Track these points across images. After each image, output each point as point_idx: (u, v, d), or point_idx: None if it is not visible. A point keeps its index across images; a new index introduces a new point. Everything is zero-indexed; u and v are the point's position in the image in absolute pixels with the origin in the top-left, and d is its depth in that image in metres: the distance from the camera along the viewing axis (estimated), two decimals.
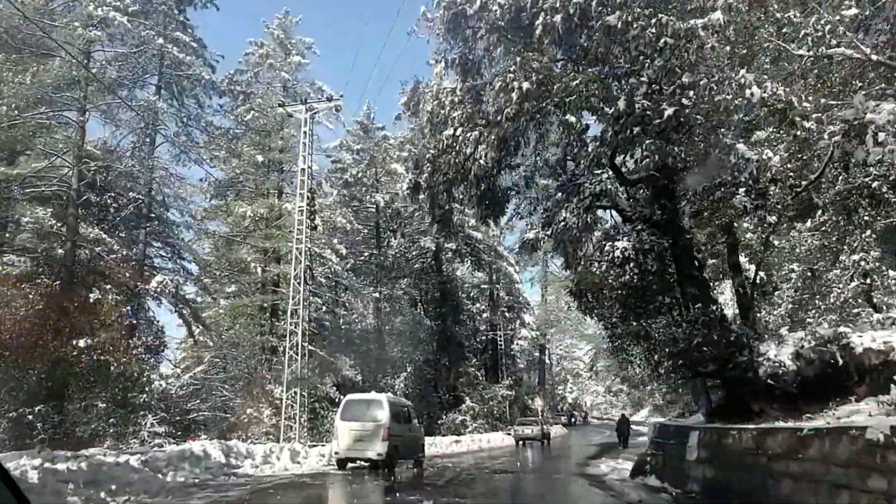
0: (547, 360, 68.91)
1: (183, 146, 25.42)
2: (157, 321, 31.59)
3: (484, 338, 59.12)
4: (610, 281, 14.09)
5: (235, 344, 28.56)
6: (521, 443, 34.99)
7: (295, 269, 21.70)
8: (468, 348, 47.63)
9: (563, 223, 15.26)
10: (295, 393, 21.11)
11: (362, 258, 37.45)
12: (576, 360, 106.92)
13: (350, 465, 17.38)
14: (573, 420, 78.66)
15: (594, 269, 14.50)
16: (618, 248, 13.34)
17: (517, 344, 66.26)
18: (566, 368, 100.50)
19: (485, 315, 57.57)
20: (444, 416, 38.00)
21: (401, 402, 19.07)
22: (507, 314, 58.38)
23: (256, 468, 15.02)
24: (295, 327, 21.37)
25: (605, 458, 23.38)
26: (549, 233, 15.62)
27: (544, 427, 35.92)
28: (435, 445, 27.47)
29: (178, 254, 30.44)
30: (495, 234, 45.58)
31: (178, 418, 28.39)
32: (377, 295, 32.32)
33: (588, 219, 14.73)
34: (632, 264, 13.82)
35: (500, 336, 50.86)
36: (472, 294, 59.45)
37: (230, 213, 26.29)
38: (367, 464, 17.16)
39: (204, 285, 29.23)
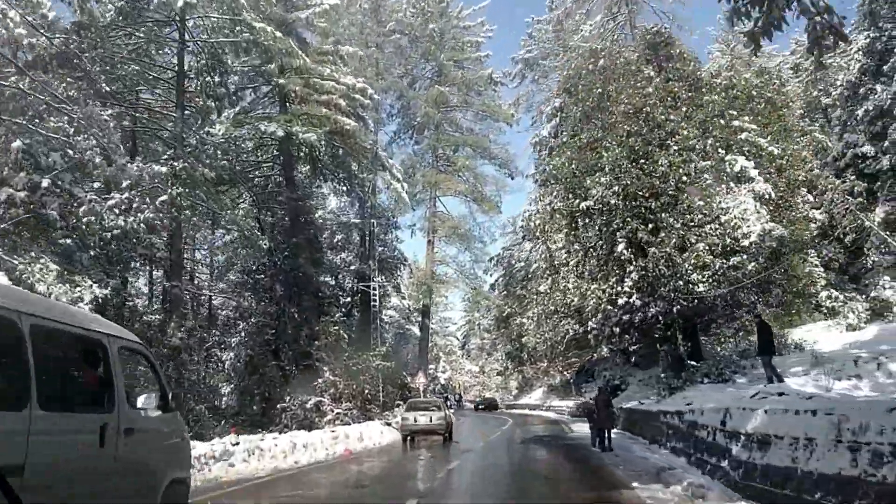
0: (431, 326, 55.99)
1: None
2: None
3: (349, 299, 45.13)
4: None
5: None
6: (409, 438, 21.74)
7: None
8: (329, 300, 33.40)
9: None
10: None
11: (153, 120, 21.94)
12: (449, 336, 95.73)
13: None
14: (448, 403, 66.71)
15: None
16: None
17: (387, 315, 52.94)
18: (439, 345, 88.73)
19: (353, 267, 43.57)
20: (287, 398, 23.67)
21: (67, 313, 4.61)
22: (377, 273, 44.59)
23: None
24: None
25: (642, 483, 10.52)
26: None
27: (447, 414, 22.76)
28: (258, 454, 13.36)
29: None
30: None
31: None
32: (165, 171, 17.13)
33: None
34: None
35: (376, 290, 37.09)
36: (337, 241, 45.19)
37: None
38: None
39: None
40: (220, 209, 21.87)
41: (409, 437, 21.69)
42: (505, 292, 64.94)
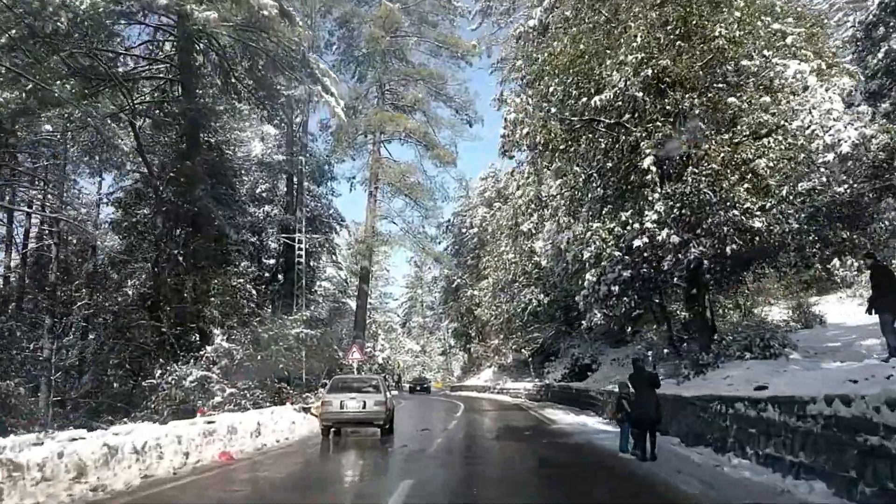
0: (370, 301, 48.89)
1: None
2: None
3: (274, 261, 37.80)
4: None
5: None
6: (333, 431, 15.03)
7: None
8: (237, 247, 26.11)
9: None
10: None
11: None
12: (389, 312, 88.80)
13: None
14: (387, 384, 59.73)
15: None
16: None
17: (321, 287, 45.58)
18: (378, 322, 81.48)
19: (278, 219, 36.08)
20: (158, 372, 16.43)
21: None
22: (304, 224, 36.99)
23: None
24: None
25: None
26: None
27: (388, 398, 16.06)
28: (9, 481, 6.44)
29: None
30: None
31: None
32: None
33: None
34: None
35: (301, 243, 29.94)
36: (260, 192, 37.45)
37: None
38: None
39: None
40: (54, 90, 14.43)
41: (331, 430, 14.95)
42: (455, 262, 58.48)
